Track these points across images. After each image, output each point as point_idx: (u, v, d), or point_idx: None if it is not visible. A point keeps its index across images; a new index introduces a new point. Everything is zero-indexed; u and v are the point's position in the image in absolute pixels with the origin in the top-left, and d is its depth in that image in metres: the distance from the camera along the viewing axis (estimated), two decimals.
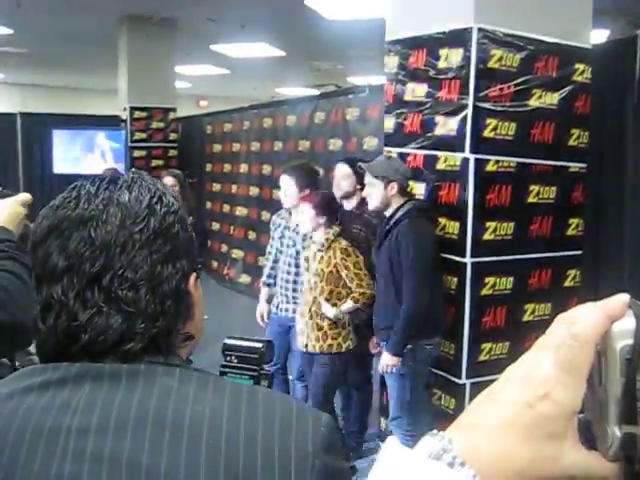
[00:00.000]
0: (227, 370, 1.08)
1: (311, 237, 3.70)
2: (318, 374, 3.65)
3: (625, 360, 0.46)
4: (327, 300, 3.56)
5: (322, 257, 3.57)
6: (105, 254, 0.77)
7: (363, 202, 3.70)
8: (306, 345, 3.65)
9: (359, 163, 3.71)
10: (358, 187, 3.90)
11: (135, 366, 0.75)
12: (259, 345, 1.10)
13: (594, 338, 0.47)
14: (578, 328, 0.47)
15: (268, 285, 4.23)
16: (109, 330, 0.76)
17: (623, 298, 0.48)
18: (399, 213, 3.30)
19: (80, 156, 8.81)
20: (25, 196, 1.56)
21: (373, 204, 3.39)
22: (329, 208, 3.61)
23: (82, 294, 0.76)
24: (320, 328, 3.60)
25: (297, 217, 3.64)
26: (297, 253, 3.94)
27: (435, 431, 0.46)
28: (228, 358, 1.09)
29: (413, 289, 3.18)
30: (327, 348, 3.61)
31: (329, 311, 3.56)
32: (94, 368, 0.75)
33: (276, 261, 4.14)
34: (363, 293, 3.51)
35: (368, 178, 3.38)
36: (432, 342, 3.31)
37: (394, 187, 3.31)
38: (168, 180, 5.07)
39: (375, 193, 3.34)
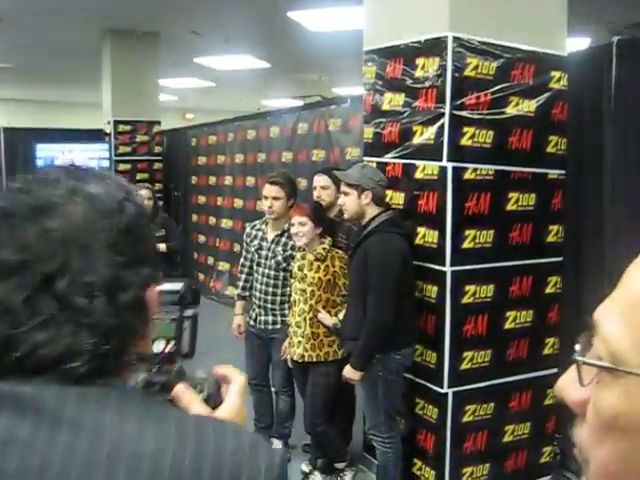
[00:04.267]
0: None
1: (302, 248, 3.69)
2: (317, 384, 3.64)
3: None
4: (323, 308, 3.59)
5: (319, 266, 3.57)
6: (64, 252, 0.66)
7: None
8: (302, 355, 3.63)
9: (333, 171, 3.70)
10: (338, 196, 3.89)
11: (63, 394, 0.65)
12: (177, 287, 1.05)
13: None
14: None
15: (243, 298, 4.20)
16: (53, 343, 0.65)
17: None
18: (372, 225, 3.29)
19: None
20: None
21: (348, 213, 3.39)
22: (323, 219, 3.63)
23: (32, 298, 0.65)
24: (316, 336, 3.60)
25: (294, 228, 3.61)
26: (277, 264, 3.91)
27: None
28: None
29: (376, 305, 3.17)
30: (324, 356, 3.62)
31: (327, 320, 3.57)
32: (12, 393, 0.64)
33: (250, 274, 4.11)
34: None
35: (343, 187, 3.39)
36: (401, 353, 3.29)
37: (368, 196, 3.30)
38: (145, 193, 5.09)
39: (349, 202, 3.34)
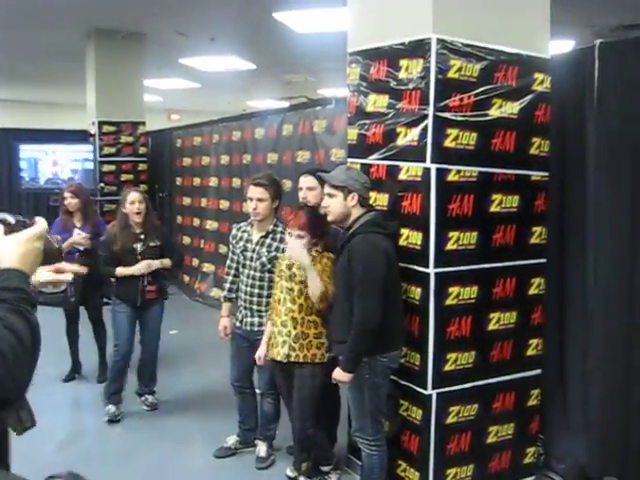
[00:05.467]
0: None
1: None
2: (303, 386, 3.61)
3: None
4: (309, 308, 3.55)
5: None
6: None
7: None
8: (287, 355, 3.60)
9: (318, 173, 3.69)
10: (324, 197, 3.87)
11: None
12: None
13: None
14: None
15: (230, 300, 4.18)
16: None
17: None
18: (356, 225, 3.28)
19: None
20: (41, 228, 1.36)
21: (332, 215, 3.37)
22: (321, 230, 3.56)
23: None
24: (306, 337, 3.58)
25: (291, 240, 3.53)
26: (262, 266, 3.90)
27: None
28: None
29: (362, 306, 3.14)
30: (311, 358, 3.59)
31: (302, 255, 3.48)
32: None
33: (237, 275, 4.09)
34: None
35: (328, 189, 3.36)
36: (387, 355, 3.27)
37: (354, 197, 3.29)
38: (135, 196, 4.86)
39: (335, 204, 3.33)
